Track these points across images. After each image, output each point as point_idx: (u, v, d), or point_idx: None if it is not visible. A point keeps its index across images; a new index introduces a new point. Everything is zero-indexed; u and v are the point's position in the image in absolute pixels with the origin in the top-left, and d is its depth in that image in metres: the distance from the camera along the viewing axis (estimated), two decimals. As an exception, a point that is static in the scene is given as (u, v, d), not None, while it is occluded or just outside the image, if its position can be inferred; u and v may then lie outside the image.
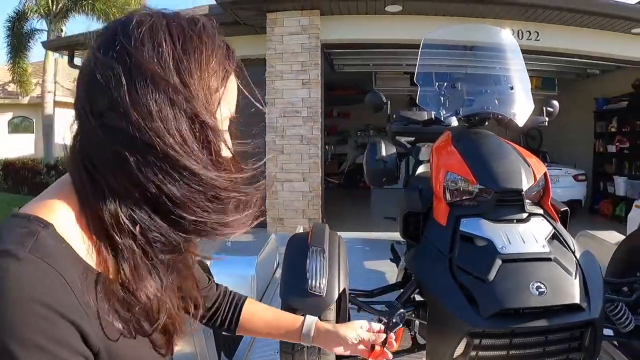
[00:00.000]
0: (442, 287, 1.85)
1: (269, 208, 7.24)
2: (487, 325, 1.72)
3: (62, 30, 15.11)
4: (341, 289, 2.00)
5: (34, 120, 17.97)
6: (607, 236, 3.96)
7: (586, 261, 1.97)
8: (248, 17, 7.39)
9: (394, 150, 3.50)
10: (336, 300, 1.98)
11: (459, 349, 1.78)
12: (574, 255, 1.96)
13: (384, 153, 3.48)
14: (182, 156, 0.67)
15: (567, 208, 2.40)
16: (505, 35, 2.88)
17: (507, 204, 2.05)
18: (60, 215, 0.70)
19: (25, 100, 17.28)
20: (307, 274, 1.98)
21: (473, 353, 1.79)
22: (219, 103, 0.73)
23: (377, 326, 1.21)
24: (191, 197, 0.70)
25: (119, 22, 0.72)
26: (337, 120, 14.83)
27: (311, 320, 1.19)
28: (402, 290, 2.13)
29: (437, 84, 2.59)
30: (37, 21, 15.59)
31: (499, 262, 1.81)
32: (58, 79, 16.89)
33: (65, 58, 10.27)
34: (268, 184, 7.00)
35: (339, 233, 2.32)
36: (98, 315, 0.67)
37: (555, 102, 2.78)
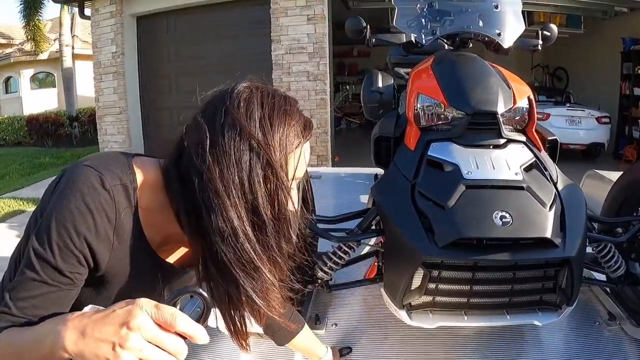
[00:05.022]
0: (400, 213, 1.68)
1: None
2: (443, 255, 1.56)
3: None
4: None
5: (55, 74, 18.06)
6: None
7: (569, 194, 1.75)
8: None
9: (391, 81, 3.33)
10: None
11: (417, 281, 1.64)
12: (555, 186, 1.76)
13: (380, 84, 3.32)
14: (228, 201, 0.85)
15: (556, 137, 2.19)
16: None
17: (481, 128, 1.86)
18: (146, 186, 0.93)
19: (45, 55, 17.32)
20: None
21: (432, 286, 1.64)
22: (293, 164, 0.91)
23: None
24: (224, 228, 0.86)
25: (225, 90, 0.94)
26: (358, 59, 14.53)
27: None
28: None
29: (417, 4, 2.38)
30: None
31: (462, 187, 1.63)
32: (77, 32, 16.89)
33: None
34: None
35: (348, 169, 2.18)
36: (119, 255, 0.92)
37: (553, 26, 2.53)
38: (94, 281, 0.94)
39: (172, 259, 1.05)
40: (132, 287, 0.98)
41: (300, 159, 0.93)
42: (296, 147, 0.91)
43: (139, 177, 0.93)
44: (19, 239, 0.91)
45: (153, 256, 1.00)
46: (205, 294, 0.74)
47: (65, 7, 14.04)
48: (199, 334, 0.69)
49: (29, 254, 0.85)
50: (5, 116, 16.93)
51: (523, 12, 2.42)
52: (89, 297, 0.96)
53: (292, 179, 0.91)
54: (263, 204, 0.86)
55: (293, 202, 0.90)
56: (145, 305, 0.67)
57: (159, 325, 0.67)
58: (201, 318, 0.73)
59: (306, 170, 1.07)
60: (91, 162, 0.90)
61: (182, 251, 1.03)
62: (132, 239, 0.93)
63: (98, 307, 0.77)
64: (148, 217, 0.94)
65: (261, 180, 0.85)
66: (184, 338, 0.69)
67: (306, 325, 1.62)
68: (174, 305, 0.72)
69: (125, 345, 0.64)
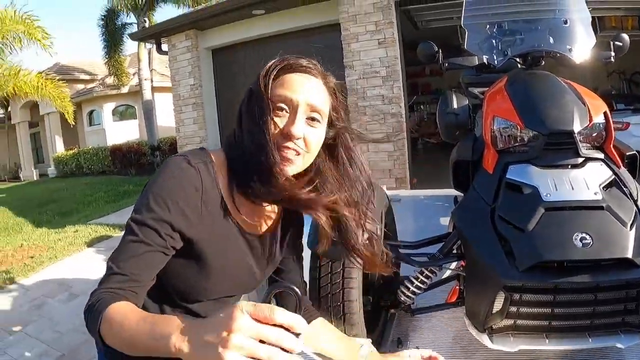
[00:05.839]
0: (480, 238, 1.70)
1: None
2: (523, 279, 1.56)
3: (146, 20, 15.82)
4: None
5: (135, 107, 19.00)
6: None
7: None
8: (319, -18, 7.36)
9: (465, 101, 3.31)
10: None
11: (498, 305, 1.64)
12: (636, 204, 1.71)
13: (455, 105, 3.33)
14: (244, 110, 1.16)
15: (635, 152, 2.13)
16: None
17: (558, 147, 1.84)
18: (221, 165, 1.12)
19: (126, 89, 18.36)
20: None
21: (513, 309, 1.64)
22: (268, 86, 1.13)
23: (427, 353, 1.41)
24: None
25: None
26: (430, 78, 14.36)
27: (366, 349, 1.43)
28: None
29: (487, 26, 2.39)
30: (127, 15, 16.55)
31: (541, 210, 1.63)
32: (155, 66, 17.77)
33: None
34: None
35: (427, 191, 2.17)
36: (208, 223, 1.08)
37: (625, 36, 2.46)
38: (192, 256, 1.10)
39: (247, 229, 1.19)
40: (223, 254, 1.13)
41: (281, 80, 1.14)
42: (275, 76, 1.13)
43: (215, 159, 1.12)
44: (105, 263, 1.04)
45: (235, 224, 1.15)
46: (295, 288, 0.81)
47: (142, 43, 14.81)
48: (297, 322, 0.74)
49: (128, 226, 1.02)
50: (90, 147, 18.04)
51: (593, 18, 2.38)
52: (191, 276, 1.13)
53: (270, 95, 1.12)
54: (245, 106, 1.15)
55: (269, 112, 1.10)
56: (244, 307, 0.73)
57: (259, 321, 0.72)
58: (296, 309, 0.79)
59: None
60: (176, 153, 1.13)
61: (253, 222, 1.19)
62: (217, 207, 1.10)
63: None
64: (225, 190, 1.11)
65: (246, 99, 1.16)
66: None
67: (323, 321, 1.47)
68: (269, 301, 0.79)
69: (229, 345, 0.70)
